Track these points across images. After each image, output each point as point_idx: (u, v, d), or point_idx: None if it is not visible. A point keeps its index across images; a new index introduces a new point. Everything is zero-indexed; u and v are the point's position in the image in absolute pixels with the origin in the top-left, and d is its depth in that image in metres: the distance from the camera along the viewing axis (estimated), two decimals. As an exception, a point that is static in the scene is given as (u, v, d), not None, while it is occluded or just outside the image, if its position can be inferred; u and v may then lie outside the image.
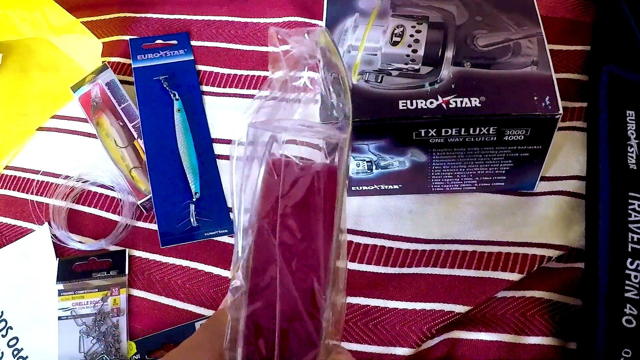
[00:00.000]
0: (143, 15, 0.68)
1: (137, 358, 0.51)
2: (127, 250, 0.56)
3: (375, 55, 0.48)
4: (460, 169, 0.50)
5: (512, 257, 0.51)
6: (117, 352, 0.52)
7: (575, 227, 0.52)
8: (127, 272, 0.55)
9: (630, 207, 0.50)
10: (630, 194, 0.50)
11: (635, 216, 0.49)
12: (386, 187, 0.53)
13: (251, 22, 0.65)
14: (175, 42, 0.65)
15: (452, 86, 0.45)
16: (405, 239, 0.53)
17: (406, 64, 0.47)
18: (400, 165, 0.50)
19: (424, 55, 0.47)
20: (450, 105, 0.44)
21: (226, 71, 0.63)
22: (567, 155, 0.55)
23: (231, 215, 0.56)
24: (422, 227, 0.53)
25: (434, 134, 0.45)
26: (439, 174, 0.51)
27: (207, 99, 0.62)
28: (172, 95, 0.61)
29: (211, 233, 0.55)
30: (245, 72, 0.63)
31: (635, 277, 0.48)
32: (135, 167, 0.59)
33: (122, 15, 0.69)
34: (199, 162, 0.58)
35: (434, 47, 0.48)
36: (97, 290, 0.55)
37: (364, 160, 0.49)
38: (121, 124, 0.61)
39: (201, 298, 0.53)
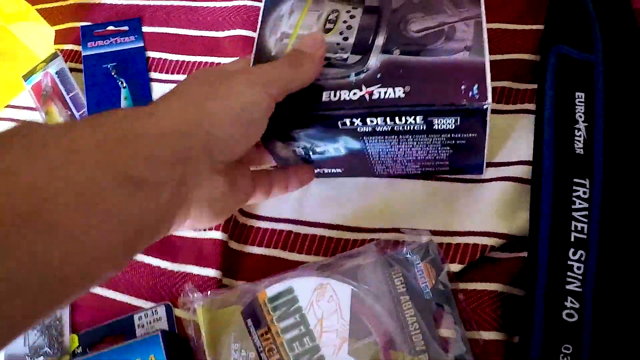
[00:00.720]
0: (98, 1, 0.67)
1: (79, 351, 0.51)
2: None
3: None
4: (399, 155, 0.48)
5: (453, 247, 0.49)
6: (60, 345, 0.52)
7: (520, 214, 0.50)
8: (72, 263, 0.55)
9: (574, 194, 0.48)
10: (575, 180, 0.48)
11: (579, 204, 0.47)
12: (329, 170, 0.52)
13: (201, 6, 0.64)
14: (126, 28, 0.64)
15: (378, 76, 0.43)
16: (347, 229, 0.52)
17: (335, 52, 0.45)
18: (336, 152, 0.48)
19: (354, 43, 0.45)
20: (374, 96, 0.42)
21: (175, 57, 0.62)
22: (516, 140, 0.52)
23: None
24: (364, 216, 0.52)
25: (360, 124, 0.43)
26: (377, 159, 0.49)
27: (155, 86, 0.61)
28: (119, 82, 0.60)
29: (153, 223, 0.54)
30: (193, 58, 0.62)
31: (579, 268, 0.46)
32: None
33: (77, 1, 0.68)
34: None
35: (365, 33, 0.45)
36: (42, 281, 0.55)
37: (299, 147, 0.48)
38: (69, 113, 0.60)
39: (140, 290, 0.52)
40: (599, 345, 0.43)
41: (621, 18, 0.55)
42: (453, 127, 0.43)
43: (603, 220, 0.46)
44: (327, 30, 0.46)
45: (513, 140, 0.53)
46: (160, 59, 0.62)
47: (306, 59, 0.41)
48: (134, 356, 0.46)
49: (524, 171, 0.51)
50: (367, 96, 0.42)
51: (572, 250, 0.46)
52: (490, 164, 0.52)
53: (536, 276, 0.46)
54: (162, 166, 0.33)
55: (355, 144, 0.47)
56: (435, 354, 0.45)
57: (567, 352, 0.43)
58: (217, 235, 0.51)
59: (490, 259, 0.49)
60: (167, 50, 0.62)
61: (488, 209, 0.50)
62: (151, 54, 0.63)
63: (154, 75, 0.62)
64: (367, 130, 0.44)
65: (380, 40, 0.45)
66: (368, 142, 0.46)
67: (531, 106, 0.53)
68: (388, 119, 0.43)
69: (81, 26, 0.65)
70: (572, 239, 0.46)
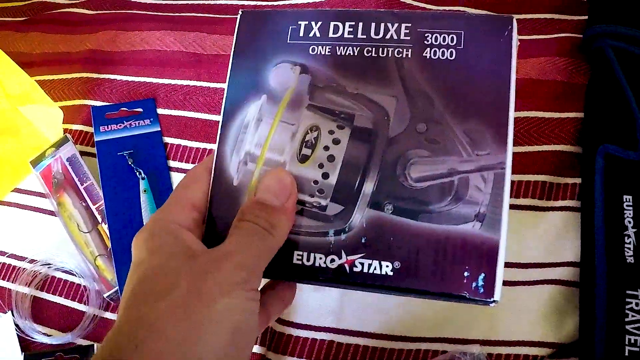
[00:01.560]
0: (106, 76, 0.63)
1: None
2: (94, 344, 0.53)
3: None
4: None
5: (503, 357, 0.48)
6: None
7: (569, 320, 0.49)
8: (95, 369, 0.52)
9: (627, 306, 0.47)
10: (628, 292, 0.47)
11: (632, 316, 0.46)
12: None
13: (221, 87, 0.60)
14: (140, 110, 0.60)
15: (363, 240, 0.34)
16: (391, 337, 0.50)
17: (312, 195, 0.35)
18: None
19: (336, 185, 0.35)
20: (355, 269, 0.34)
21: (195, 144, 0.58)
22: (560, 239, 0.51)
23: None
24: (408, 324, 0.50)
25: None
26: None
27: (175, 176, 0.58)
28: (137, 173, 0.57)
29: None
30: (215, 146, 0.58)
31: (633, 383, 0.45)
32: (101, 254, 0.55)
33: (84, 75, 0.64)
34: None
35: (351, 173, 0.35)
36: (65, 388, 0.52)
37: None
38: (84, 204, 0.57)
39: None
40: None
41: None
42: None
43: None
44: (304, 159, 0.36)
45: (557, 239, 0.51)
46: (179, 145, 0.59)
47: (276, 218, 0.33)
48: None
49: (570, 273, 0.50)
50: (346, 266, 0.34)
51: (627, 366, 0.45)
52: (535, 265, 0.51)
53: (592, 396, 0.45)
54: None
55: None
56: None
57: None
58: (256, 349, 0.49)
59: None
60: (186, 137, 0.59)
61: (535, 315, 0.49)
62: (168, 139, 0.59)
63: (172, 163, 0.58)
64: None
65: (369, 187, 0.35)
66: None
67: (573, 203, 0.52)
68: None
69: (92, 107, 0.61)
70: (627, 354, 0.46)
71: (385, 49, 0.36)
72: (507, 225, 0.33)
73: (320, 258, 0.34)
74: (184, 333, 0.28)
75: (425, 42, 0.36)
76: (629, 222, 0.49)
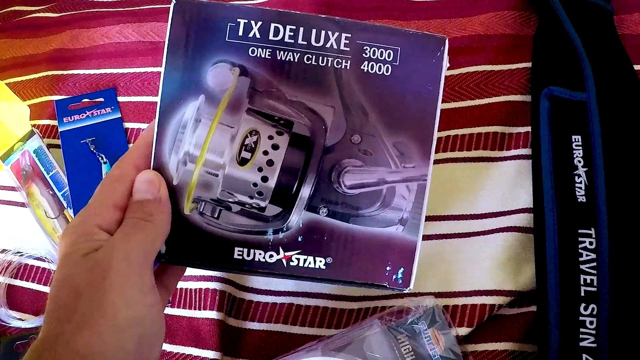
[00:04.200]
0: (70, 72, 0.65)
1: None
2: (65, 327, 0.54)
3: (217, 175, 0.37)
4: None
5: (459, 309, 0.48)
6: None
7: (526, 267, 0.48)
8: (66, 351, 0.53)
9: (580, 245, 0.46)
10: (580, 230, 0.46)
11: (586, 255, 0.46)
12: None
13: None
14: (102, 99, 0.62)
15: (299, 239, 0.38)
16: (349, 298, 0.50)
17: (251, 197, 0.37)
18: None
19: (274, 188, 0.37)
20: (292, 263, 0.37)
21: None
22: (514, 187, 0.51)
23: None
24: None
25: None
26: None
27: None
28: (99, 158, 0.58)
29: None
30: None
31: (591, 323, 0.44)
32: (67, 239, 0.56)
33: (50, 73, 0.66)
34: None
35: (289, 177, 0.38)
36: (38, 372, 0.52)
37: None
38: (51, 192, 0.58)
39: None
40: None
41: (611, 52, 0.53)
42: None
43: (613, 271, 0.45)
44: (243, 162, 0.37)
45: (511, 188, 0.51)
46: (138, 129, 0.60)
47: (151, 207, 0.35)
48: None
49: (526, 220, 0.49)
50: (284, 261, 0.38)
51: (583, 305, 0.44)
52: (490, 214, 0.50)
53: (548, 336, 0.44)
54: None
55: None
56: None
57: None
58: (213, 314, 0.49)
59: (497, 316, 0.48)
60: (145, 120, 0.60)
61: (491, 263, 0.48)
62: (128, 124, 0.61)
63: (134, 146, 0.60)
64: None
65: (306, 192, 0.37)
66: None
67: (525, 151, 0.52)
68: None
69: (55, 101, 0.63)
70: (582, 294, 0.45)
71: (326, 58, 0.37)
72: (423, 228, 0.38)
73: (260, 254, 0.37)
74: (94, 348, 0.29)
75: (364, 55, 0.37)
76: (579, 161, 0.48)
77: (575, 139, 0.49)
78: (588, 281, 0.45)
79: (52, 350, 0.29)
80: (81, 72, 0.65)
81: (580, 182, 0.48)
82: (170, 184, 0.37)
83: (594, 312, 0.44)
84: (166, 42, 0.37)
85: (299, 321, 0.50)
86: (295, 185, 0.37)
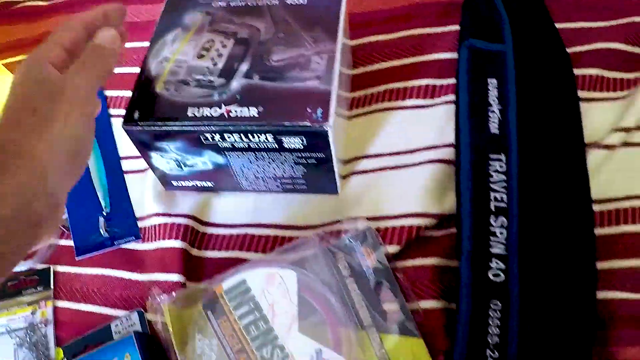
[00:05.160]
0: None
1: (64, 362, 0.55)
2: (51, 267, 0.61)
3: (182, 67, 0.52)
4: (259, 171, 0.54)
5: (389, 230, 0.54)
6: (47, 359, 0.56)
7: (450, 194, 0.54)
8: (52, 286, 0.60)
9: (491, 168, 0.53)
10: (491, 155, 0.53)
11: (497, 176, 0.52)
12: (201, 184, 0.58)
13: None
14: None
15: (238, 96, 0.49)
16: (297, 228, 0.57)
17: (204, 75, 0.51)
18: (204, 165, 0.54)
19: (221, 68, 0.51)
20: (232, 114, 0.48)
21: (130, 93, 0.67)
22: (443, 127, 0.58)
23: (138, 223, 0.60)
24: (312, 214, 0.57)
25: (220, 139, 0.49)
26: (241, 174, 0.55)
27: (114, 121, 0.67)
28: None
29: (120, 241, 0.59)
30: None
31: (501, 233, 0.50)
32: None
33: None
34: (109, 180, 0.63)
35: (233, 61, 0.52)
36: (27, 305, 0.59)
37: (171, 159, 0.54)
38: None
39: (115, 301, 0.57)
40: (528, 301, 0.47)
41: (532, 11, 0.61)
42: (301, 146, 0.49)
43: (521, 189, 0.51)
44: (200, 56, 0.52)
45: (439, 127, 0.58)
46: (117, 96, 0.68)
47: (109, 53, 0.44)
48: (112, 356, 0.51)
49: (450, 153, 0.56)
50: (226, 114, 0.48)
51: (492, 217, 0.51)
52: (421, 149, 0.57)
53: (461, 244, 0.50)
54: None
55: (219, 159, 0.53)
56: (380, 326, 0.49)
57: (497, 307, 0.48)
58: (177, 244, 0.56)
59: (425, 237, 0.54)
60: (123, 88, 0.68)
61: (419, 191, 0.55)
62: (108, 92, 0.69)
63: (112, 111, 0.68)
64: (227, 146, 0.50)
65: (244, 67, 0.51)
66: (230, 157, 0.52)
67: (452, 97, 0.59)
68: (243, 135, 0.49)
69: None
70: (493, 208, 0.51)
71: (262, 1, 0.56)
72: (337, 81, 0.49)
73: (207, 110, 0.49)
74: (39, 150, 0.36)
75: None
76: (494, 100, 0.55)
77: (491, 82, 0.56)
78: (498, 198, 0.51)
79: (2, 149, 0.36)
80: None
81: (494, 118, 0.55)
82: (149, 74, 0.52)
83: (504, 225, 0.50)
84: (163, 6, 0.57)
85: (253, 247, 0.56)
86: (237, 64, 0.51)
